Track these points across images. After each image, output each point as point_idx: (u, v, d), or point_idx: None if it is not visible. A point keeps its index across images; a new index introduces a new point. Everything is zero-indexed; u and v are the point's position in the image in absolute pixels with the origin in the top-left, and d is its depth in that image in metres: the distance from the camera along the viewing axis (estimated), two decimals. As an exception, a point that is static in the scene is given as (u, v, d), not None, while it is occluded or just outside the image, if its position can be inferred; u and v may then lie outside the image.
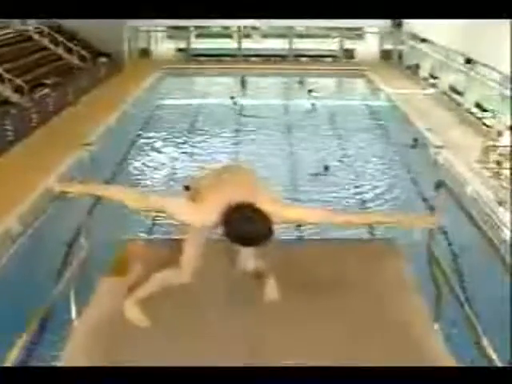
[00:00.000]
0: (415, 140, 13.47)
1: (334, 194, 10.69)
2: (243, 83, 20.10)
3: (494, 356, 2.63)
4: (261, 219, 2.77)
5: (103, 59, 20.08)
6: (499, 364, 2.59)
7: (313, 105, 17.14)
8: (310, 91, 18.30)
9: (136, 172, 11.98)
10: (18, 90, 14.09)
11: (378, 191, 10.98)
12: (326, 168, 11.84)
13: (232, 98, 17.74)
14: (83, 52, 19.24)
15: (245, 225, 2.76)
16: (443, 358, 3.03)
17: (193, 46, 24.25)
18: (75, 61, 18.93)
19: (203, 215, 2.89)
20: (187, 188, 3.39)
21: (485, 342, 2.72)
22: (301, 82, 19.90)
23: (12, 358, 2.59)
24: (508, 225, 8.56)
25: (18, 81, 14.29)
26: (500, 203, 9.24)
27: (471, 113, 15.11)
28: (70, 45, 19.19)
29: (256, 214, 2.78)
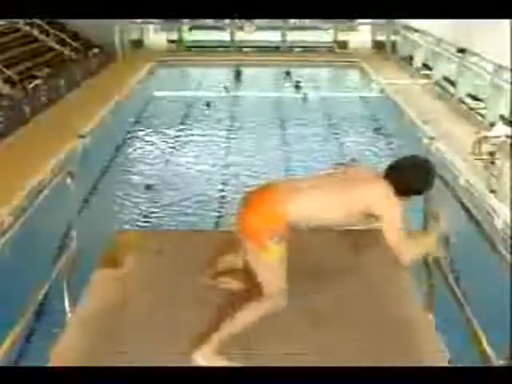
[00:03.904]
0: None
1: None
2: (238, 74, 19.99)
3: (488, 350, 2.65)
4: (430, 166, 3.01)
5: (95, 50, 19.91)
6: (491, 354, 2.61)
7: (304, 96, 17.09)
8: (297, 82, 18.29)
9: (129, 164, 11.91)
10: (7, 81, 13.95)
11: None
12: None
13: (225, 87, 17.73)
14: (75, 43, 19.07)
15: (419, 171, 2.95)
16: (437, 348, 3.07)
17: (186, 37, 24.08)
18: (67, 52, 18.77)
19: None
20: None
21: (478, 329, 2.75)
22: (288, 73, 19.75)
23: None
24: (499, 213, 8.61)
25: (9, 72, 14.15)
26: (492, 191, 9.30)
27: (464, 103, 15.11)
28: (62, 36, 19.01)
29: (425, 162, 3.03)
